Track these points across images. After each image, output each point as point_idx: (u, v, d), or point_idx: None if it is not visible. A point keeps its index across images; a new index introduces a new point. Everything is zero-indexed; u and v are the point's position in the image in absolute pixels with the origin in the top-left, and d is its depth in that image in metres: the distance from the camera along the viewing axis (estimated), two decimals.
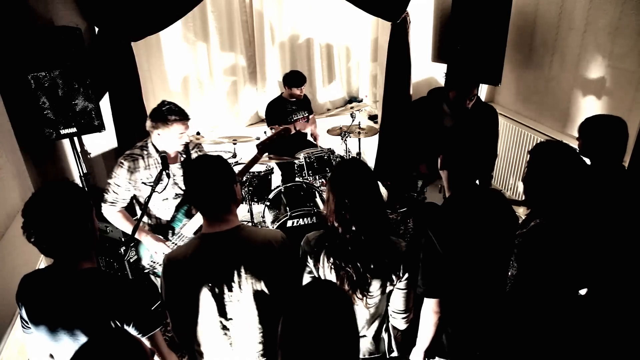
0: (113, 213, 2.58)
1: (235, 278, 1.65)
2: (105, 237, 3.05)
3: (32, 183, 2.62)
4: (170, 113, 2.45)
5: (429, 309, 1.78)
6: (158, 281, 2.79)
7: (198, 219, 2.63)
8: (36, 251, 2.18)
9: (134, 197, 2.67)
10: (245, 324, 1.74)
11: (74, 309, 1.50)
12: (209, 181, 1.65)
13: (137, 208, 2.72)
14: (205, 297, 1.67)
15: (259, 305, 1.71)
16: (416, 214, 3.28)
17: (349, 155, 4.47)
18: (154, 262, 2.68)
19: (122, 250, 2.97)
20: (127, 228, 2.59)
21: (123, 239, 2.97)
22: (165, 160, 2.44)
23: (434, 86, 3.32)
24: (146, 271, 2.73)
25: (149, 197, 2.35)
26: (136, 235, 2.57)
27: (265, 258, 1.68)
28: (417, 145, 3.31)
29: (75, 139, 3.14)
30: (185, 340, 1.80)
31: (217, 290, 1.66)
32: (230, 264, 1.65)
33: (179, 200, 2.69)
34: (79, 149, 3.20)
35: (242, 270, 1.65)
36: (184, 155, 2.64)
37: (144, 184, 2.55)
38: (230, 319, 1.72)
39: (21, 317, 1.60)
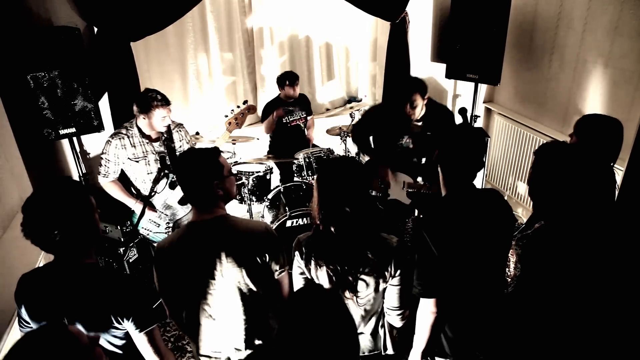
0: (106, 183, 2.97)
1: (217, 265, 1.71)
2: (105, 237, 3.06)
3: (31, 183, 2.62)
4: (153, 100, 2.79)
5: (426, 309, 1.77)
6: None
7: (179, 191, 2.90)
8: (35, 251, 2.17)
9: (130, 181, 3.03)
10: (229, 311, 1.78)
11: (75, 305, 1.51)
12: (190, 175, 1.75)
13: (132, 188, 3.07)
14: (191, 284, 1.74)
15: (242, 294, 1.76)
16: (419, 209, 3.29)
17: (348, 155, 4.48)
18: (147, 229, 3.04)
19: (121, 250, 2.98)
20: (119, 195, 2.97)
21: (122, 239, 2.99)
22: (165, 160, 2.51)
23: (433, 86, 3.33)
24: (141, 236, 3.05)
25: (151, 192, 2.59)
26: (133, 206, 2.99)
27: (246, 247, 1.72)
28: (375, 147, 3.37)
29: (75, 139, 3.14)
30: (183, 326, 1.87)
31: (200, 276, 1.72)
32: (212, 251, 1.70)
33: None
34: (78, 149, 3.20)
35: (224, 257, 1.70)
36: (165, 135, 2.95)
37: (129, 159, 2.91)
38: (214, 306, 1.77)
39: (19, 317, 1.60)
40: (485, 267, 1.84)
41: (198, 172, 1.74)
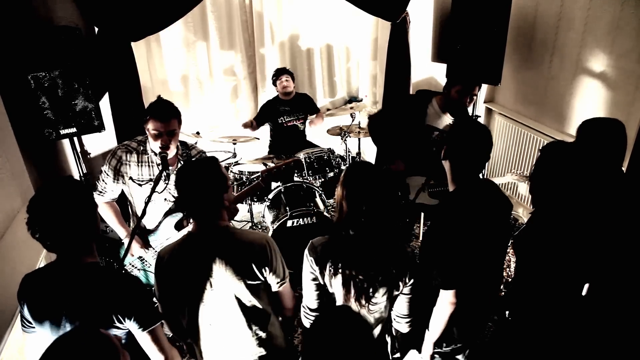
0: (101, 203, 2.50)
1: (217, 276, 1.70)
2: (105, 238, 3.05)
3: (32, 183, 2.62)
4: (150, 108, 2.38)
5: (446, 300, 1.78)
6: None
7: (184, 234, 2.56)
8: (36, 251, 2.17)
9: (128, 199, 2.62)
10: (229, 321, 1.77)
11: (77, 303, 1.51)
12: (197, 188, 1.67)
13: (130, 209, 2.67)
14: (190, 293, 1.73)
15: (241, 304, 1.75)
16: (409, 217, 3.27)
17: (349, 155, 4.48)
18: (132, 265, 2.66)
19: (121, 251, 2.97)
20: (113, 222, 2.56)
21: (122, 240, 2.97)
22: (166, 160, 2.42)
23: (433, 86, 3.32)
24: (124, 271, 2.68)
25: (149, 197, 2.30)
26: (123, 236, 2.59)
27: (246, 258, 1.70)
28: (396, 141, 3.30)
29: (75, 139, 3.14)
30: (179, 333, 1.88)
31: (200, 286, 1.71)
32: (212, 261, 1.69)
33: (167, 206, 2.59)
34: (78, 149, 3.20)
35: (223, 268, 1.69)
36: (182, 162, 2.53)
37: (131, 179, 2.47)
38: (214, 315, 1.76)
39: (22, 317, 1.60)
40: (492, 257, 1.89)
41: (207, 186, 1.68)
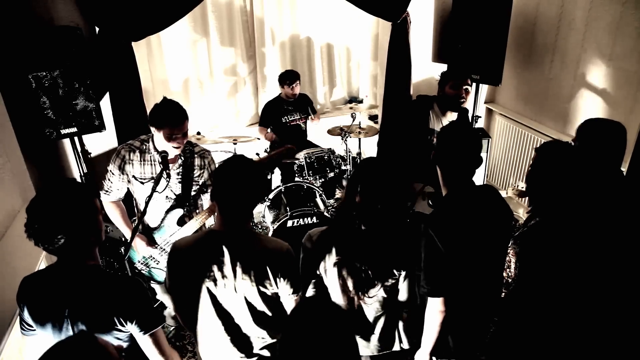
0: (106, 202, 2.55)
1: (231, 277, 1.69)
2: (106, 237, 3.05)
3: (33, 183, 2.62)
4: (161, 116, 2.33)
5: (434, 308, 1.77)
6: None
7: (189, 229, 2.57)
8: (37, 251, 2.17)
9: (133, 197, 2.63)
10: (236, 321, 1.77)
11: (78, 306, 1.51)
12: (245, 190, 1.66)
13: (135, 208, 2.68)
14: (202, 290, 1.72)
15: (251, 308, 1.75)
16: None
17: (349, 155, 4.48)
18: (142, 264, 2.67)
19: (122, 250, 2.97)
20: (118, 221, 2.58)
21: (124, 239, 2.97)
22: (166, 160, 2.41)
23: (434, 86, 3.30)
24: (138, 271, 2.71)
25: (150, 196, 2.31)
26: (129, 237, 2.54)
27: (263, 264, 1.69)
28: (407, 148, 3.28)
29: (76, 138, 3.14)
30: (188, 324, 1.86)
31: (212, 285, 1.70)
32: (230, 262, 1.68)
33: (169, 204, 2.59)
34: (79, 149, 3.19)
35: (239, 270, 1.68)
36: (182, 158, 2.54)
37: (135, 177, 2.49)
38: (223, 315, 1.76)
39: (21, 320, 1.59)
40: (488, 264, 1.86)
41: (253, 192, 1.68)
